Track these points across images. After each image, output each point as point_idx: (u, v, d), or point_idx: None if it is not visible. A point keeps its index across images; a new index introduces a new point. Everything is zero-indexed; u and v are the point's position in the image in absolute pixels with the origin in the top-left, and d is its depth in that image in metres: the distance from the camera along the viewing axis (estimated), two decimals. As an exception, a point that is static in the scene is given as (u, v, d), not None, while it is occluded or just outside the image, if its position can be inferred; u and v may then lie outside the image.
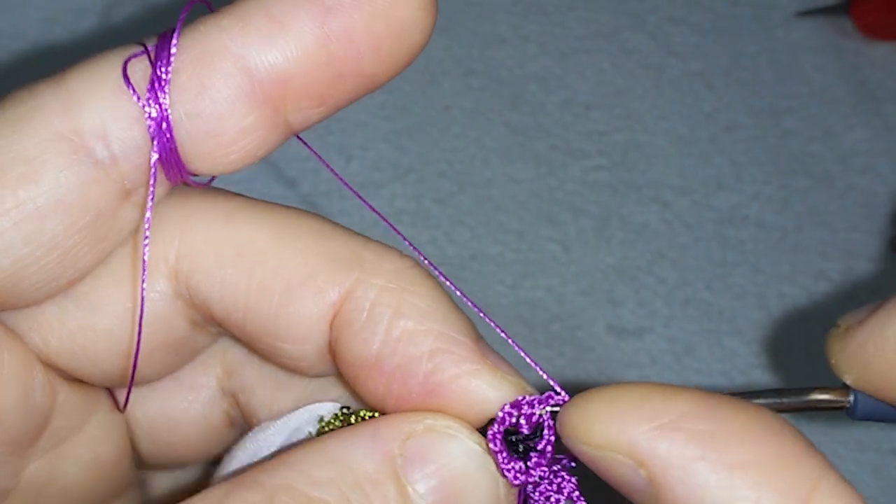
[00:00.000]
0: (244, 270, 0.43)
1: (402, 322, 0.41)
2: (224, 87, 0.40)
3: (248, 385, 0.49)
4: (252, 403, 0.49)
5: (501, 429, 0.41)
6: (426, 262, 0.44)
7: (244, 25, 0.40)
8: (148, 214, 0.41)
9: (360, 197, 0.46)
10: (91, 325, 0.44)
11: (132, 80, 0.40)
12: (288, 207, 0.45)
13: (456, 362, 0.41)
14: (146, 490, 0.53)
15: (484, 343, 0.42)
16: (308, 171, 0.93)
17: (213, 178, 0.43)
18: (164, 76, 0.39)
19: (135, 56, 0.40)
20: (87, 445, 0.47)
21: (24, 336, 0.44)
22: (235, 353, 0.49)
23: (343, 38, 0.40)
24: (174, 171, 0.41)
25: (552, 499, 0.43)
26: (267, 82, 0.40)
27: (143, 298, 0.43)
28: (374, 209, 0.46)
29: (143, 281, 0.42)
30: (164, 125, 0.40)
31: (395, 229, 0.45)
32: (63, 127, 0.40)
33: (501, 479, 0.41)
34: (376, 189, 0.92)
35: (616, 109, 0.98)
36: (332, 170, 0.46)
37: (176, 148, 0.40)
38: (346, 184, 0.46)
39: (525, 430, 0.42)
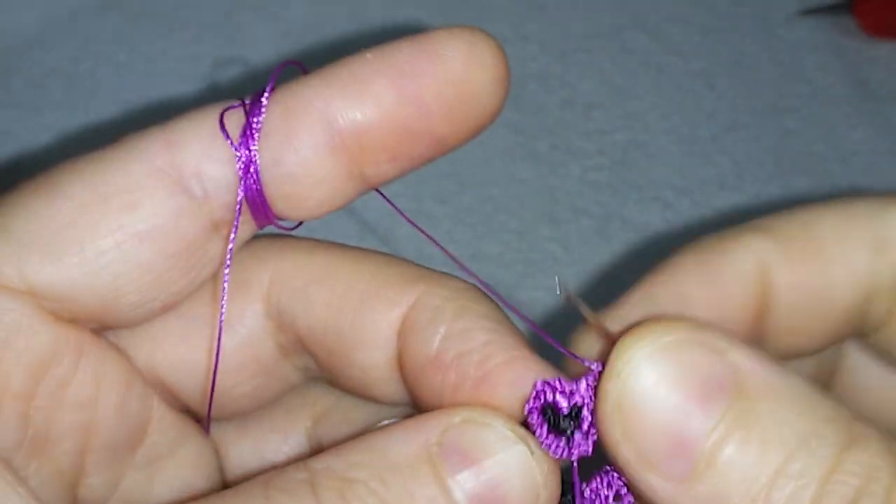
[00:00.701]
0: (325, 288, 0.48)
1: (460, 323, 0.45)
2: (306, 137, 0.45)
3: (331, 433, 0.53)
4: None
5: (538, 404, 0.43)
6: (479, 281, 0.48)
7: (329, 84, 0.45)
8: (230, 246, 0.47)
9: (430, 238, 0.49)
10: (191, 337, 0.49)
11: (227, 129, 0.45)
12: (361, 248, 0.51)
13: (506, 349, 0.44)
14: None
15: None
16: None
17: (297, 224, 0.48)
18: (254, 125, 0.45)
19: (231, 108, 0.46)
20: (179, 470, 0.51)
21: (128, 347, 0.49)
22: (324, 404, 0.54)
23: (415, 101, 0.45)
24: (260, 212, 0.46)
25: (602, 494, 0.44)
26: (345, 135, 0.45)
27: (222, 314, 0.48)
28: (429, 236, 0.49)
29: (223, 302, 0.47)
30: (252, 168, 0.45)
31: (446, 252, 0.48)
32: (163, 163, 0.45)
33: (540, 465, 0.42)
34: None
35: (617, 109, 0.98)
36: (412, 222, 0.49)
37: (261, 189, 0.45)
38: (421, 229, 0.50)
39: (564, 410, 0.43)
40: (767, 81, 1.00)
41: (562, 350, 0.45)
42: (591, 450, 0.43)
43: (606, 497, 0.44)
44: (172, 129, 0.46)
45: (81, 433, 0.47)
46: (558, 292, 0.42)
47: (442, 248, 0.48)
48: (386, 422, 0.48)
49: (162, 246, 0.45)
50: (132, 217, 0.44)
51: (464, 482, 0.41)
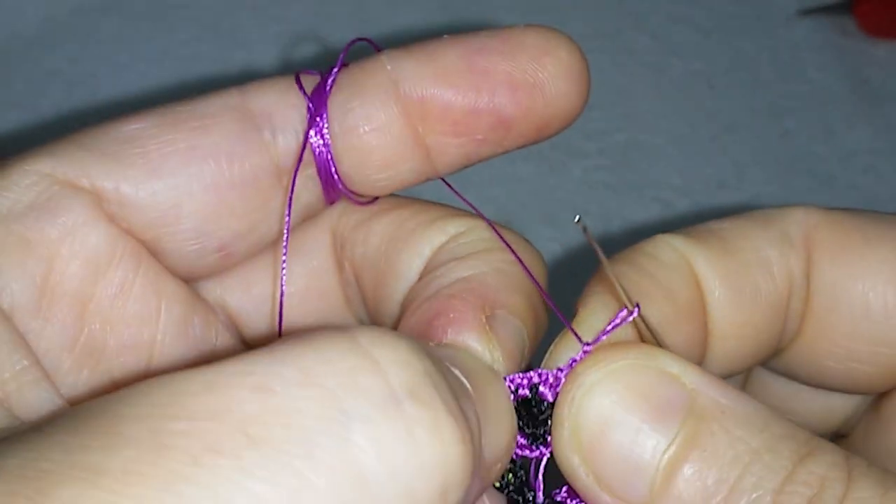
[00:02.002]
0: (384, 221, 0.49)
1: (468, 265, 0.45)
2: (373, 93, 0.46)
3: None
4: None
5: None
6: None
7: (402, 53, 0.47)
8: (294, 176, 0.47)
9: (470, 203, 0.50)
10: (255, 275, 0.50)
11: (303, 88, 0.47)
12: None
13: (463, 309, 0.43)
14: None
15: (515, 318, 0.44)
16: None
17: (372, 200, 0.50)
18: (328, 81, 0.47)
19: (307, 72, 0.48)
20: None
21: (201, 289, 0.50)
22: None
23: (483, 75, 0.46)
24: (327, 172, 0.47)
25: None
26: (410, 97, 0.46)
27: (285, 250, 0.48)
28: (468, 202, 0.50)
29: (286, 235, 0.48)
30: (322, 121, 0.47)
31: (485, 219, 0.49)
32: (237, 103, 0.47)
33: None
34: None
35: (617, 109, 0.98)
36: (474, 207, 0.50)
37: (327, 140, 0.47)
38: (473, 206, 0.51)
39: (550, 398, 0.41)
40: (767, 81, 1.00)
41: (564, 322, 0.44)
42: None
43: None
44: (248, 84, 0.48)
45: (143, 350, 0.46)
46: (579, 224, 0.41)
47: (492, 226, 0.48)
48: None
49: (227, 171, 0.46)
50: (202, 138, 0.46)
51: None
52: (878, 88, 0.99)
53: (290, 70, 0.49)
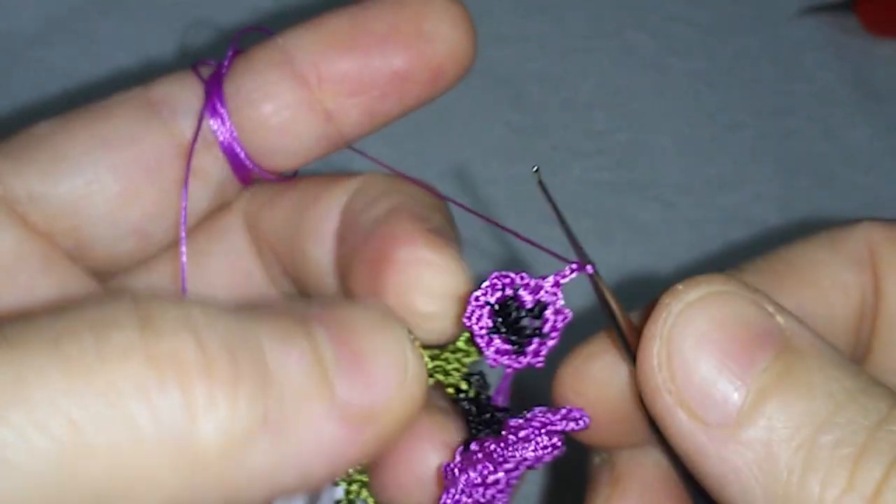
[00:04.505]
0: (288, 194, 0.51)
1: (379, 209, 0.46)
2: (266, 66, 0.49)
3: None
4: None
5: (483, 300, 0.40)
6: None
7: (294, 30, 0.49)
8: (195, 143, 0.49)
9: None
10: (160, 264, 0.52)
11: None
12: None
13: (404, 226, 0.44)
14: None
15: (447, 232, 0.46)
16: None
17: (294, 174, 0.52)
18: (224, 65, 0.49)
19: (204, 63, 0.50)
20: None
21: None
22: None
23: (369, 33, 0.48)
24: (228, 145, 0.49)
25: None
26: (302, 63, 0.48)
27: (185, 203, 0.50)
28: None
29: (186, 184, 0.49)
30: (219, 100, 0.48)
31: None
32: (137, 92, 0.50)
33: (412, 342, 0.40)
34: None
35: (617, 109, 0.98)
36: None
37: (224, 116, 0.49)
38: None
39: (528, 304, 0.41)
40: (768, 81, 1.00)
41: (542, 248, 0.44)
42: (543, 360, 0.42)
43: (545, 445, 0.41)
44: (151, 81, 0.51)
45: None
46: (537, 174, 0.41)
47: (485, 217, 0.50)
48: None
49: (132, 156, 0.48)
50: (104, 126, 0.48)
51: (325, 336, 0.38)
52: (879, 87, 0.99)
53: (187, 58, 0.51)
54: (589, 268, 0.42)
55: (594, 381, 0.46)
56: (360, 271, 0.45)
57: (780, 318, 0.39)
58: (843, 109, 0.98)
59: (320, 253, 0.49)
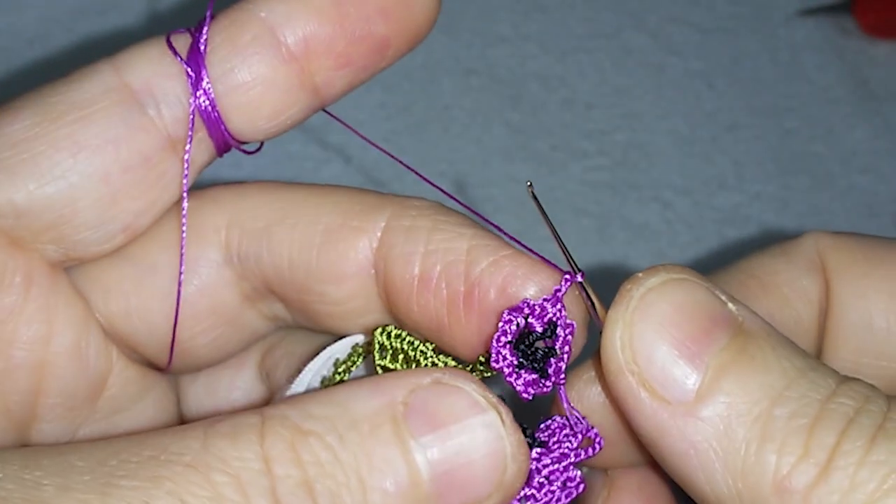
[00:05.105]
0: (287, 226, 0.48)
1: (437, 235, 0.46)
2: (253, 46, 0.46)
3: (280, 365, 0.53)
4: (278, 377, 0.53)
5: (504, 340, 0.43)
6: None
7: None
8: (187, 156, 0.48)
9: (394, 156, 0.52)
10: (146, 285, 0.49)
11: (176, 50, 0.46)
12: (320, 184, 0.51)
13: (491, 252, 0.45)
14: None
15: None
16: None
17: (259, 147, 0.49)
18: (200, 38, 0.46)
19: (177, 32, 0.47)
20: (139, 422, 0.51)
21: (86, 294, 0.49)
22: (272, 338, 0.53)
23: (352, 3, 0.46)
24: (215, 127, 0.47)
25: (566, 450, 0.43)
26: (291, 42, 0.46)
27: (182, 254, 0.49)
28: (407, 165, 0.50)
29: (183, 221, 0.48)
30: (203, 80, 0.46)
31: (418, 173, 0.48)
32: (114, 83, 0.46)
33: (510, 436, 0.41)
34: (376, 188, 0.92)
35: (617, 109, 0.98)
36: (366, 138, 0.51)
37: (213, 100, 0.46)
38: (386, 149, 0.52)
39: (538, 329, 0.43)
40: (767, 81, 1.00)
41: (537, 256, 0.45)
42: (564, 372, 0.44)
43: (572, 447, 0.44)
44: (120, 54, 0.47)
45: (33, 372, 0.47)
46: (530, 189, 0.42)
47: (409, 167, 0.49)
48: (355, 370, 0.47)
49: (117, 158, 0.46)
50: (86, 130, 0.46)
51: (427, 445, 0.39)
52: (878, 88, 0.99)
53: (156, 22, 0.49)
54: (579, 276, 0.44)
55: (593, 405, 0.48)
56: (449, 303, 0.45)
57: (731, 306, 0.41)
58: (842, 110, 0.98)
59: (348, 289, 0.48)
